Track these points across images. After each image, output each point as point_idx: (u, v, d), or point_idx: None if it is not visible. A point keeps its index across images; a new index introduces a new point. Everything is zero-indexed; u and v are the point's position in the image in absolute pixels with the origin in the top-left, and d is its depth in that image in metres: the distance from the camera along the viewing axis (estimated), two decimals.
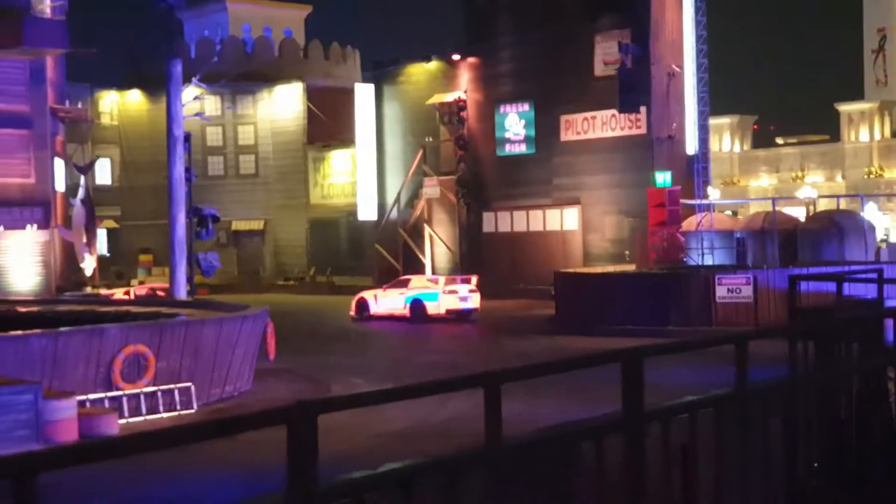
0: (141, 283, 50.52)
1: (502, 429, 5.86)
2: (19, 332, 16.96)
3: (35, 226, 36.92)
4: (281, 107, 55.42)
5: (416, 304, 33.18)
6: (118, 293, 35.94)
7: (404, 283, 34.77)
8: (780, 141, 75.45)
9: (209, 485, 12.54)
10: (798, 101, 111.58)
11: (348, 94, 51.64)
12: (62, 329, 17.39)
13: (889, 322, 8.32)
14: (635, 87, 37.88)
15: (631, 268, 35.54)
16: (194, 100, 37.07)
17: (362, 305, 34.63)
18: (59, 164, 39.70)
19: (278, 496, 4.44)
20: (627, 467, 6.10)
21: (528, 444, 6.20)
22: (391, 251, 48.84)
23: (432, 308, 32.84)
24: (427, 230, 47.62)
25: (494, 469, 5.38)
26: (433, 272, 46.96)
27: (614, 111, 39.62)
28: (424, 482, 5.14)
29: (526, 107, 44.18)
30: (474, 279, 34.66)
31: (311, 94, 54.47)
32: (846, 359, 8.27)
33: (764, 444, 6.83)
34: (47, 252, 37.36)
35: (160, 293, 35.06)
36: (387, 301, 34.10)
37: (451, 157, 46.64)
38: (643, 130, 39.85)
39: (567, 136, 42.66)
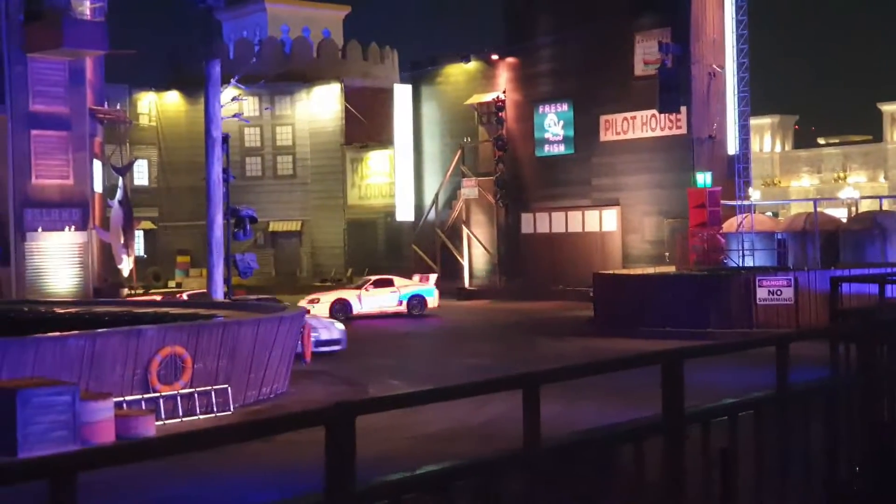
0: (178, 284, 50.84)
1: (541, 431, 5.77)
2: (57, 334, 17.05)
3: (73, 227, 37.23)
4: (319, 107, 55.56)
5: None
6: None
7: (389, 283, 36.63)
8: (821, 141, 74.68)
9: (247, 485, 12.53)
10: (840, 100, 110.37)
11: (386, 95, 51.69)
12: (99, 330, 17.46)
13: None
14: (676, 86, 37.61)
15: (671, 269, 35.26)
16: (233, 100, 37.24)
17: (342, 307, 35.04)
18: (97, 166, 40.02)
19: (317, 497, 4.39)
20: (667, 470, 5.99)
21: (567, 446, 6.11)
22: (429, 252, 48.80)
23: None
24: (465, 231, 47.55)
25: (533, 471, 5.29)
26: (471, 273, 46.88)
27: (654, 111, 39.36)
28: (462, 484, 5.07)
29: (565, 107, 44.00)
30: (433, 277, 38.87)
31: (350, 95, 54.58)
32: (889, 361, 8.11)
33: (805, 447, 6.69)
34: (85, 253, 37.66)
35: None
36: (374, 300, 35.77)
37: (490, 158, 46.53)
38: (683, 130, 39.55)
39: (606, 136, 42.42)
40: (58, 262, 36.79)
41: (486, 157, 47.14)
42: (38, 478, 3.35)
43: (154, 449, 4.51)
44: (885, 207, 40.93)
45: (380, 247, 53.55)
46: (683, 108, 38.84)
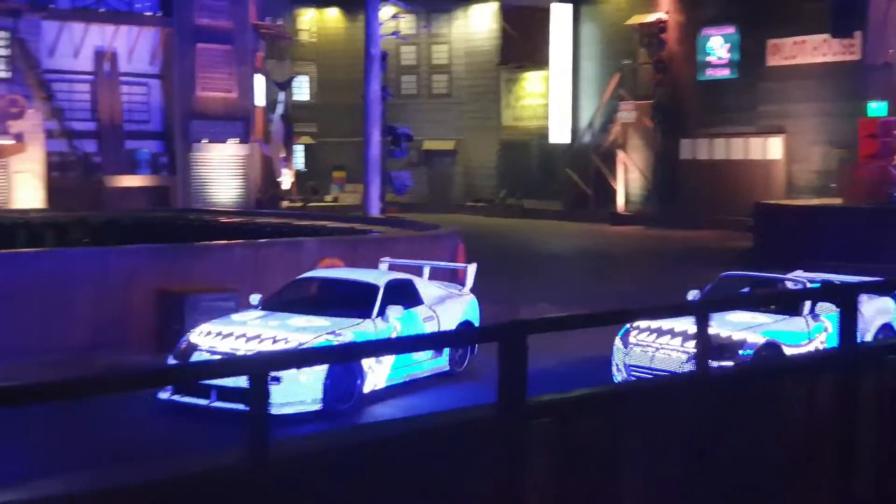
0: (334, 199, 51.76)
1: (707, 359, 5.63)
2: (224, 242, 17.63)
3: (236, 139, 38.19)
4: (475, 26, 55.19)
5: None
6: None
7: None
8: None
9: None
10: None
11: (544, 14, 50.87)
12: (262, 240, 17.99)
13: None
14: (850, 10, 35.82)
15: (837, 201, 34.00)
16: (391, 18, 37.27)
17: None
18: (259, 80, 40.79)
19: (490, 408, 4.46)
20: (839, 406, 5.78)
21: (737, 376, 5.94)
22: (582, 176, 48.29)
23: None
24: (620, 155, 46.81)
25: (700, 398, 5.19)
26: (625, 199, 46.20)
27: (826, 36, 37.64)
28: (625, 407, 5.01)
29: (731, 29, 42.49)
30: None
31: (507, 14, 53.94)
32: None
33: None
34: (247, 166, 38.64)
35: None
36: None
37: (649, 81, 45.47)
38: (857, 56, 37.74)
39: (773, 61, 40.83)
40: (221, 173, 37.88)
41: (645, 80, 46.08)
42: (239, 374, 3.75)
43: (341, 353, 4.71)
44: None
45: (533, 169, 53.23)
46: (858, 33, 37.04)
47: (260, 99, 41.05)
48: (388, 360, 12.79)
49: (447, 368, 14.01)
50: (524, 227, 42.54)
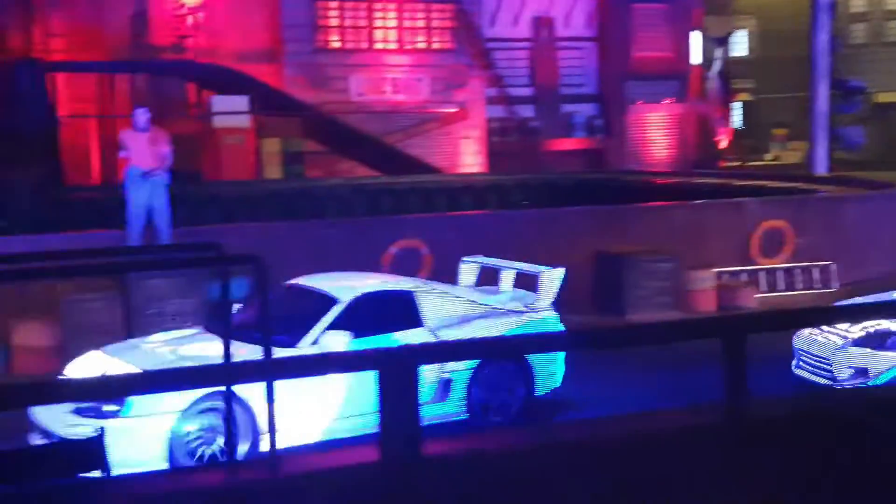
0: (775, 158, 49.69)
1: None
2: (660, 203, 17.40)
3: (672, 99, 37.64)
4: None
5: None
6: None
7: None
8: None
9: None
10: None
11: None
12: (700, 202, 17.57)
13: None
14: None
15: None
16: None
17: None
18: (695, 37, 39.84)
19: None
20: None
21: None
22: None
23: None
24: None
25: None
26: None
27: None
28: None
29: None
30: None
31: None
32: None
33: None
34: (682, 125, 37.98)
35: None
36: None
37: None
38: None
39: None
40: (656, 133, 37.55)
41: None
42: (711, 335, 4.38)
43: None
44: None
45: None
46: None
47: (696, 57, 40.12)
48: (332, 403, 9.03)
49: (463, 417, 9.60)
50: None
